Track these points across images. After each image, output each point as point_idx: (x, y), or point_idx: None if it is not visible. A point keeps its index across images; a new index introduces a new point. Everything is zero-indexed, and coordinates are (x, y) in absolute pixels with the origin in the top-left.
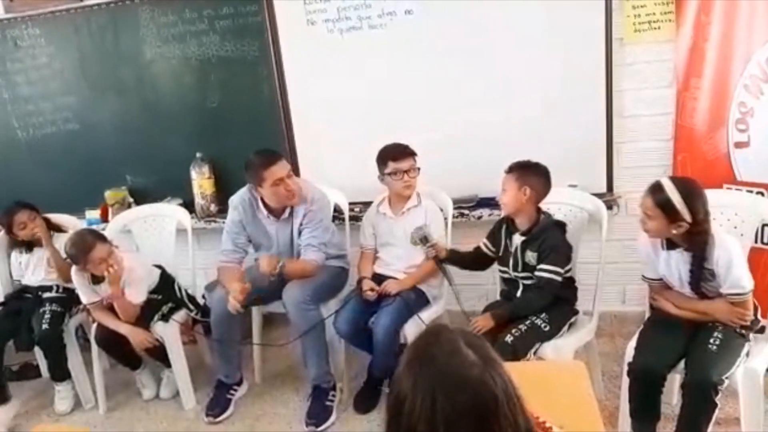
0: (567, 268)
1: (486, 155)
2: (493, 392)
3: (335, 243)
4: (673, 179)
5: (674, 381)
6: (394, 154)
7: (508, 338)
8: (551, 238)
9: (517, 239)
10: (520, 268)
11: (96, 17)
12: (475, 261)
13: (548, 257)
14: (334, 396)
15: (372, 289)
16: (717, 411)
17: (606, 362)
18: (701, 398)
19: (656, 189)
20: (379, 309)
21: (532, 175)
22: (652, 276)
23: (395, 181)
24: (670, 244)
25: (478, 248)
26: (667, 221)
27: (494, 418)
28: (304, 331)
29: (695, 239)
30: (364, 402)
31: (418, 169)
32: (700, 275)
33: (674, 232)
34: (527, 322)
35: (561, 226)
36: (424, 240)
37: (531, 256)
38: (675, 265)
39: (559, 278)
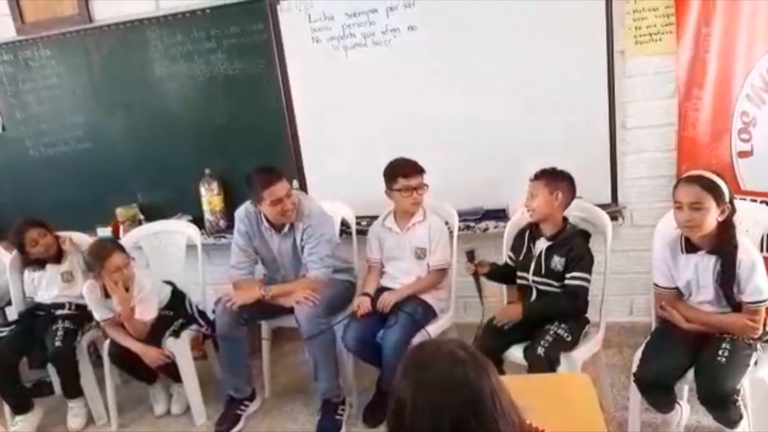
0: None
1: (490, 168)
2: (490, 386)
3: (341, 257)
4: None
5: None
6: (404, 171)
7: (540, 350)
8: (579, 246)
9: (542, 244)
10: (543, 273)
11: (106, 38)
12: (507, 274)
13: (578, 264)
14: (343, 410)
15: (360, 306)
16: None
17: (614, 374)
18: (722, 407)
19: (694, 177)
20: (387, 323)
21: (561, 180)
22: (664, 284)
23: (404, 198)
24: (690, 247)
25: (506, 263)
26: (716, 205)
27: (489, 412)
28: (312, 335)
29: (723, 237)
30: (373, 415)
31: (426, 185)
32: (732, 275)
33: (718, 219)
34: (551, 332)
35: (586, 235)
36: (470, 255)
37: (558, 262)
38: (694, 270)
39: (588, 285)
